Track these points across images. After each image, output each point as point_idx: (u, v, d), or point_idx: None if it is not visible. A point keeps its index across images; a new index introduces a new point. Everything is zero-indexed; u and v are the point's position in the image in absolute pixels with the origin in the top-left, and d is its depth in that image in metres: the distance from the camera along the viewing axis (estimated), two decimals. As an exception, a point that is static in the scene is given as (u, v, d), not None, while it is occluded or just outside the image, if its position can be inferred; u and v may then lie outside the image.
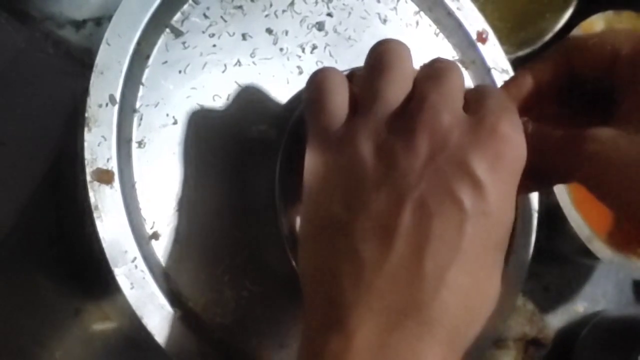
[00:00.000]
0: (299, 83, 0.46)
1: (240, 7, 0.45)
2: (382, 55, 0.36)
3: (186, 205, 0.41)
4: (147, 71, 0.42)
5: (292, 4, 0.46)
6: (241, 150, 0.43)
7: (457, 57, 0.53)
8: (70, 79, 0.47)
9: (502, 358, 0.64)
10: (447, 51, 0.53)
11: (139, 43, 0.40)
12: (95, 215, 0.37)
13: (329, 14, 0.48)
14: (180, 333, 0.39)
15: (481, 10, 0.53)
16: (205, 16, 0.44)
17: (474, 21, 0.52)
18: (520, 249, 0.52)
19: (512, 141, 0.33)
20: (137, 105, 0.41)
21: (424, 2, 0.51)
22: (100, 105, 0.38)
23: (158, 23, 0.42)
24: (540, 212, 0.53)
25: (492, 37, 0.53)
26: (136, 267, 0.38)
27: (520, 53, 0.64)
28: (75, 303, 0.47)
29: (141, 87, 0.41)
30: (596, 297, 0.74)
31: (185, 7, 0.43)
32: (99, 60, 0.39)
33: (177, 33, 0.43)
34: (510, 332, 0.63)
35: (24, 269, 0.46)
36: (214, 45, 0.44)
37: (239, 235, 0.42)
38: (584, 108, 0.41)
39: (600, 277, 0.74)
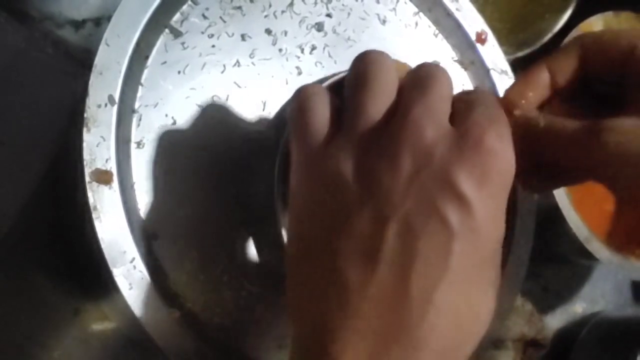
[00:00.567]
0: (298, 83, 0.45)
1: (239, 7, 0.45)
2: (363, 67, 0.35)
3: (185, 206, 0.41)
4: (146, 71, 0.42)
5: (291, 4, 0.46)
6: (240, 151, 0.43)
7: (456, 58, 0.53)
8: (70, 79, 0.47)
9: (501, 358, 0.64)
10: (446, 52, 0.53)
11: (138, 43, 0.40)
12: (94, 215, 0.37)
13: (328, 15, 0.48)
14: (178, 333, 0.39)
15: (480, 11, 0.53)
16: (205, 17, 0.44)
17: (473, 22, 0.52)
18: (519, 249, 0.52)
19: (499, 155, 0.31)
20: (136, 105, 0.41)
21: (423, 3, 0.51)
22: (99, 106, 0.38)
23: (157, 23, 0.42)
24: (539, 212, 0.53)
25: (491, 38, 0.53)
26: (135, 267, 0.38)
27: (520, 54, 0.64)
28: (74, 303, 0.47)
29: (140, 87, 0.41)
30: (595, 298, 0.74)
31: (185, 7, 0.43)
32: (98, 60, 0.39)
33: (176, 33, 0.43)
34: (509, 332, 0.63)
35: (23, 268, 0.46)
36: (213, 46, 0.44)
37: (238, 236, 0.42)
38: (594, 106, 0.40)
39: (599, 277, 0.74)
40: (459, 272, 0.30)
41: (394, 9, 0.51)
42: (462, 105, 0.34)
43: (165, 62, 0.42)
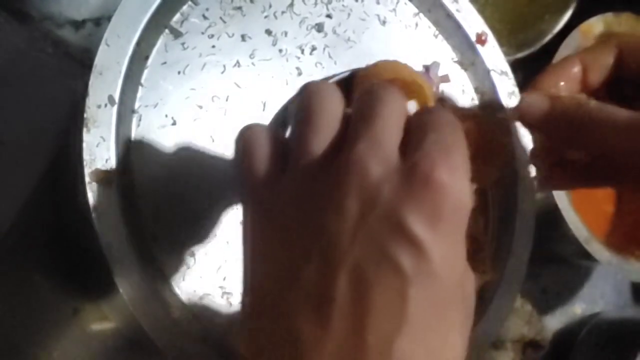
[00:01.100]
0: (298, 84, 0.46)
1: (239, 8, 0.45)
2: (305, 101, 0.32)
3: (184, 206, 0.41)
4: (146, 72, 0.42)
5: (291, 5, 0.46)
6: (240, 151, 0.43)
7: (456, 59, 0.53)
8: (69, 79, 0.47)
9: (500, 359, 0.64)
10: (447, 53, 0.53)
11: (138, 44, 0.40)
12: (93, 216, 0.37)
13: (328, 16, 0.48)
14: (177, 333, 0.39)
15: (480, 12, 0.53)
16: (205, 17, 0.44)
17: (473, 23, 0.52)
18: (518, 250, 0.52)
19: (451, 190, 0.29)
20: (136, 105, 0.41)
21: (423, 3, 0.51)
22: (99, 106, 0.38)
23: (157, 24, 0.42)
24: (538, 213, 0.53)
25: (491, 39, 0.53)
26: (134, 267, 0.38)
27: (520, 55, 0.64)
28: (73, 303, 0.47)
29: (140, 87, 0.41)
30: (594, 299, 0.74)
31: (185, 8, 0.43)
32: (98, 60, 0.39)
33: (177, 34, 0.43)
34: (508, 333, 0.63)
35: (23, 268, 0.46)
36: (213, 46, 0.44)
37: (238, 237, 0.42)
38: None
39: (599, 278, 0.74)
40: (417, 320, 0.28)
41: (394, 9, 0.50)
42: (415, 131, 0.31)
43: (165, 63, 0.42)
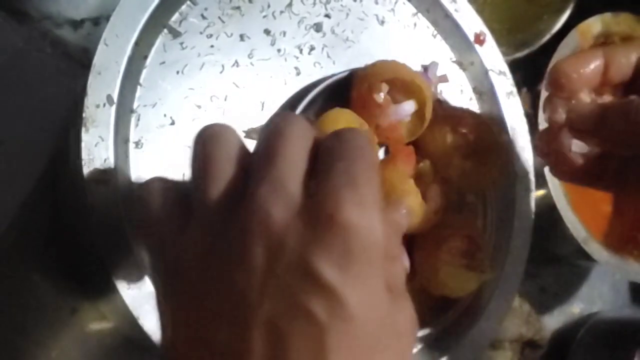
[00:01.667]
0: (297, 84, 0.46)
1: (238, 8, 0.45)
2: (200, 148, 0.31)
3: (183, 206, 0.41)
4: (144, 71, 0.42)
5: (290, 5, 0.46)
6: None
7: (454, 59, 0.53)
8: (68, 79, 0.47)
9: (498, 359, 0.64)
10: (445, 53, 0.53)
11: (136, 43, 0.40)
12: (92, 215, 0.37)
13: (327, 15, 0.48)
14: (176, 333, 0.39)
15: (479, 12, 0.53)
16: (203, 17, 0.44)
17: (471, 23, 0.52)
18: (516, 250, 0.52)
19: (358, 229, 0.27)
20: (135, 105, 0.41)
21: (422, 3, 0.51)
22: (97, 106, 0.38)
23: (156, 23, 0.42)
24: (536, 213, 0.53)
25: (489, 39, 0.53)
26: (133, 267, 0.38)
27: (518, 55, 0.64)
28: (71, 302, 0.47)
29: (139, 87, 0.41)
30: (592, 299, 0.74)
31: (183, 7, 0.43)
32: (97, 60, 0.39)
33: (175, 34, 0.43)
34: (507, 333, 0.63)
35: (21, 268, 0.46)
36: (212, 46, 0.44)
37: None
38: None
39: (597, 278, 0.74)
40: None
41: (393, 9, 0.51)
42: (323, 159, 0.30)
43: (163, 62, 0.42)
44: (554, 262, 0.71)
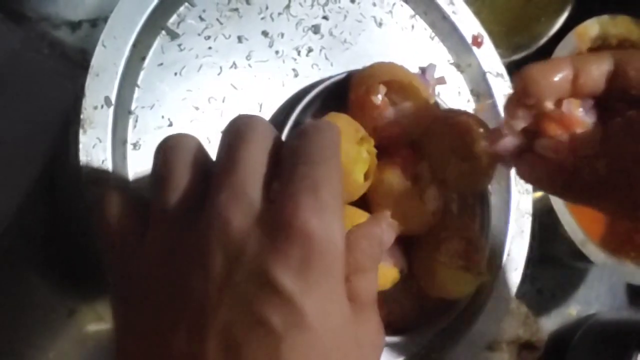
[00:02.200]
0: (295, 85, 0.46)
1: (236, 9, 0.45)
2: (161, 158, 0.31)
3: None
4: (142, 73, 0.42)
5: (288, 6, 0.46)
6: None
7: (452, 61, 0.53)
8: (66, 80, 0.47)
9: (496, 361, 0.64)
10: (443, 55, 0.53)
11: (134, 45, 0.40)
12: (90, 217, 0.37)
13: (325, 17, 0.48)
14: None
15: (476, 14, 0.53)
16: (201, 18, 0.44)
17: (469, 25, 0.53)
18: (514, 252, 0.52)
19: (316, 235, 0.27)
20: (133, 107, 0.41)
21: (419, 5, 0.51)
22: (95, 107, 0.38)
23: (154, 25, 0.42)
24: (534, 215, 0.53)
25: (487, 41, 0.53)
26: (130, 268, 0.38)
27: (515, 57, 0.64)
28: (69, 304, 0.47)
29: (137, 89, 0.41)
30: (589, 300, 0.74)
31: (181, 9, 0.43)
32: (95, 61, 0.39)
33: (173, 35, 0.43)
34: (504, 334, 0.63)
35: (19, 269, 0.46)
36: (210, 48, 0.44)
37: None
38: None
39: (594, 280, 0.74)
40: None
41: (390, 11, 0.51)
42: (286, 160, 0.30)
43: (161, 64, 0.42)
44: (552, 264, 0.71)
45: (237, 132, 0.30)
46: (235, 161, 0.29)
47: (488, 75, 0.53)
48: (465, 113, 0.44)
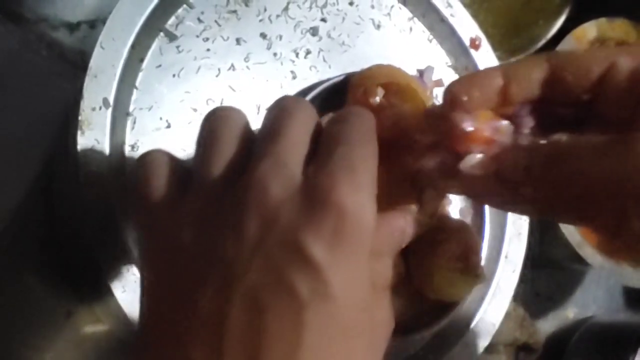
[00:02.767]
0: (293, 87, 0.46)
1: (234, 11, 0.45)
2: (208, 126, 0.32)
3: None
4: (141, 75, 0.42)
5: (286, 9, 0.46)
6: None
7: (450, 63, 0.53)
8: (64, 82, 0.47)
9: (493, 363, 0.64)
10: (441, 57, 0.53)
11: (133, 46, 0.40)
12: (87, 218, 0.37)
13: (323, 19, 0.48)
14: (171, 336, 0.39)
15: (474, 16, 0.53)
16: (200, 20, 0.44)
17: (467, 27, 0.53)
18: (511, 254, 0.52)
19: (352, 212, 0.28)
20: (131, 108, 0.41)
21: (417, 8, 0.52)
22: (93, 109, 0.38)
23: (152, 27, 0.42)
24: (531, 218, 0.54)
25: (485, 44, 0.53)
26: (128, 270, 0.38)
27: (513, 59, 0.64)
28: (66, 306, 0.47)
29: (135, 90, 0.41)
30: (587, 303, 0.74)
31: (180, 11, 0.43)
32: (93, 63, 0.39)
33: (172, 37, 0.43)
34: (501, 337, 0.63)
35: (16, 271, 0.46)
36: (208, 50, 0.44)
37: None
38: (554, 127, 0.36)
39: (591, 283, 0.74)
40: (315, 347, 0.27)
41: (389, 14, 0.51)
42: (325, 143, 0.31)
43: (160, 66, 0.42)
44: (549, 266, 0.71)
45: (284, 108, 0.31)
46: (280, 134, 0.30)
47: (486, 78, 0.53)
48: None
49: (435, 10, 0.52)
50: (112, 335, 0.48)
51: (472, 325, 0.50)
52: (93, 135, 0.38)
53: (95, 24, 0.50)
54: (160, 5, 0.41)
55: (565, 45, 0.63)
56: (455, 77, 0.53)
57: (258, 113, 0.45)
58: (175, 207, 0.31)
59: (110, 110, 0.39)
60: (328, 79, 0.46)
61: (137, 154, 0.41)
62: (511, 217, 0.53)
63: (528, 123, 0.36)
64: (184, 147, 0.42)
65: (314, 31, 0.47)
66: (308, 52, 0.47)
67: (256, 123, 0.44)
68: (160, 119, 0.42)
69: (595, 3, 0.67)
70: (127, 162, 0.40)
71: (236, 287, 0.27)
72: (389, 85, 0.44)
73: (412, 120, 0.40)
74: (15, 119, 0.45)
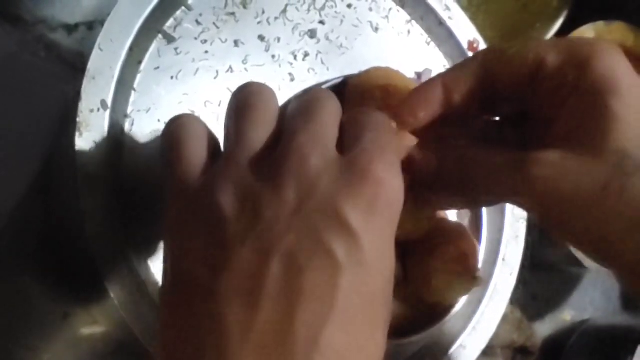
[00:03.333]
0: (291, 90, 0.46)
1: (232, 14, 0.45)
2: (242, 97, 0.33)
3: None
4: (139, 76, 0.42)
5: (284, 11, 0.47)
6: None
7: (448, 66, 0.53)
8: (62, 83, 0.47)
9: (490, 365, 0.64)
10: (438, 60, 0.53)
11: (131, 48, 0.40)
12: (85, 220, 0.37)
13: (321, 22, 0.48)
14: (168, 338, 0.39)
15: (472, 19, 0.53)
16: (198, 22, 0.44)
17: (465, 30, 0.53)
18: (509, 257, 0.53)
19: (387, 185, 0.30)
20: (129, 110, 0.41)
21: (415, 11, 0.52)
22: (91, 110, 0.38)
23: (151, 29, 0.42)
24: (528, 220, 0.54)
25: (483, 47, 0.54)
26: (125, 271, 0.38)
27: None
28: (63, 307, 0.47)
29: (133, 92, 0.41)
30: (584, 306, 0.74)
31: (178, 13, 0.43)
32: (91, 65, 0.39)
33: (170, 39, 0.43)
34: (498, 339, 0.63)
35: (13, 272, 0.46)
36: (206, 52, 0.44)
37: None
38: (500, 129, 0.38)
39: (588, 285, 0.74)
40: (346, 310, 0.28)
41: (387, 16, 0.51)
42: (352, 130, 0.32)
43: (158, 68, 0.42)
44: (546, 269, 0.71)
45: (316, 95, 0.33)
46: (314, 113, 0.32)
47: (483, 81, 0.53)
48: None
49: (433, 13, 0.52)
50: (109, 337, 0.48)
51: (469, 327, 0.50)
52: (91, 137, 0.38)
53: (93, 26, 0.50)
54: (159, 7, 0.42)
55: (563, 48, 0.63)
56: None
57: (256, 115, 0.45)
58: (212, 172, 0.32)
59: (108, 112, 0.39)
60: (326, 81, 0.46)
61: (136, 155, 0.41)
62: (509, 219, 0.53)
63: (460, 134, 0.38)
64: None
65: (312, 33, 0.47)
66: (306, 55, 0.47)
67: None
68: (159, 120, 0.42)
69: (593, 6, 0.67)
70: (125, 163, 0.40)
71: (276, 247, 0.28)
72: (386, 87, 0.44)
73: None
74: (14, 121, 0.45)
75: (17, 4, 0.49)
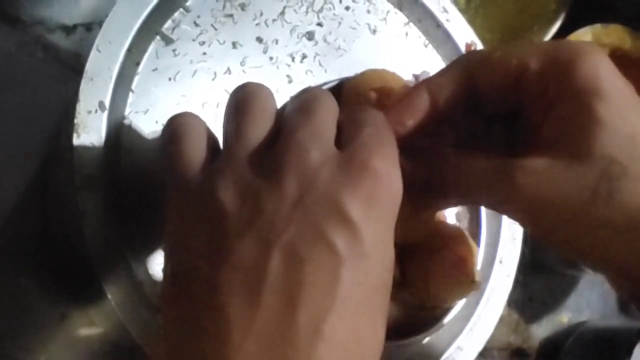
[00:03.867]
0: (289, 92, 0.46)
1: (230, 15, 0.45)
2: (240, 96, 0.34)
3: (174, 212, 0.41)
4: (137, 78, 0.42)
5: (282, 13, 0.47)
6: (230, 158, 0.43)
7: (445, 68, 0.53)
8: (60, 84, 0.47)
9: (487, 367, 0.64)
10: (436, 62, 0.53)
11: (129, 50, 0.40)
12: (82, 221, 0.37)
13: (319, 24, 0.48)
14: (166, 340, 0.39)
15: (470, 22, 0.53)
16: (196, 24, 0.44)
17: (462, 33, 0.53)
18: (506, 259, 0.53)
19: (386, 178, 0.30)
20: (127, 112, 0.41)
21: (413, 13, 0.52)
22: (89, 112, 0.38)
23: (149, 30, 0.42)
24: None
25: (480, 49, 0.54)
26: (122, 272, 0.38)
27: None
28: (60, 308, 0.47)
29: (131, 93, 0.41)
30: (580, 308, 0.74)
31: (176, 14, 0.43)
32: (89, 66, 0.39)
33: (168, 40, 0.43)
34: (495, 341, 0.63)
35: (10, 273, 0.46)
36: (204, 53, 0.44)
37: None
38: (490, 132, 0.38)
39: (585, 287, 0.75)
40: (348, 301, 0.29)
41: (385, 19, 0.51)
42: (350, 126, 0.33)
43: (156, 69, 0.42)
44: (543, 271, 0.71)
45: (314, 93, 0.34)
46: (313, 110, 0.32)
47: (481, 83, 0.53)
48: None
49: (431, 15, 0.52)
50: (106, 338, 0.48)
51: (466, 329, 0.50)
52: (89, 138, 0.38)
53: (91, 27, 0.50)
54: (157, 8, 0.41)
55: (561, 50, 0.63)
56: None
57: (254, 117, 0.45)
58: (212, 168, 0.32)
59: (106, 113, 0.39)
60: (324, 83, 0.46)
61: (133, 157, 0.41)
62: (506, 221, 0.53)
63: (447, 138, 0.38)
64: (179, 150, 0.42)
65: (310, 35, 0.47)
66: (304, 57, 0.47)
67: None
68: (156, 122, 0.42)
69: (591, 9, 0.68)
70: (122, 165, 0.40)
71: (276, 240, 0.29)
72: (382, 89, 0.44)
73: None
74: (11, 122, 0.45)
75: (15, 4, 0.49)
